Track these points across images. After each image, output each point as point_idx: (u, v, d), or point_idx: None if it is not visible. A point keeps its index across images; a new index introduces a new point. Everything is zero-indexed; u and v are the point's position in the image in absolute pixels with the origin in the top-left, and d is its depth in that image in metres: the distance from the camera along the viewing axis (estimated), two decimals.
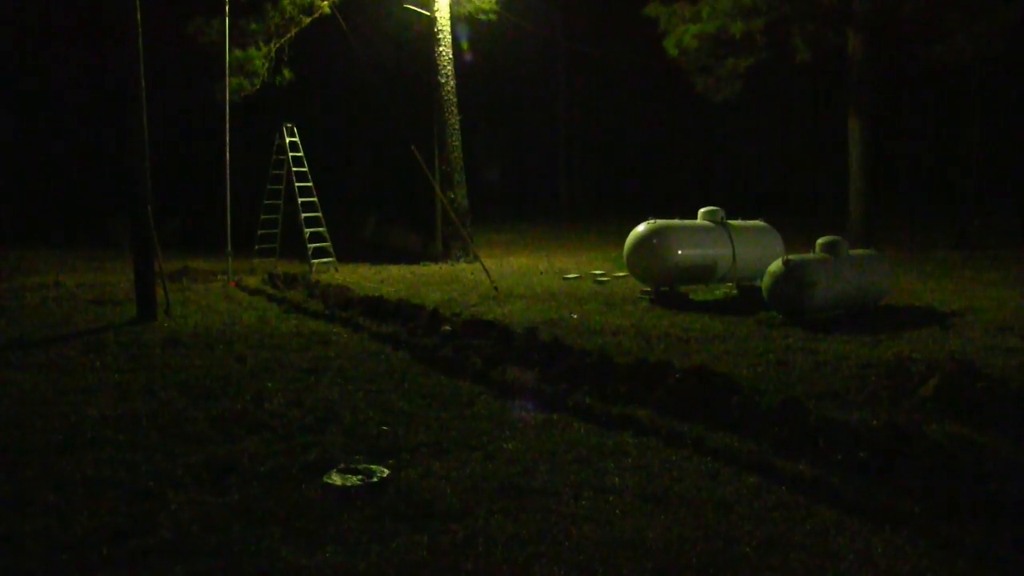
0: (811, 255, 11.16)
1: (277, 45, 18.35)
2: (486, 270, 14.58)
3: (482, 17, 19.84)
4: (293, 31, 18.39)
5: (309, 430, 6.17)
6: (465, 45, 20.29)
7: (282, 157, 18.03)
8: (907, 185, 28.94)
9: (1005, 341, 9.51)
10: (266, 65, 18.22)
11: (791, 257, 10.92)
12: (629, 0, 21.65)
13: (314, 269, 16.85)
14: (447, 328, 9.41)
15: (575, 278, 15.23)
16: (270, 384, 7.50)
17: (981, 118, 25.03)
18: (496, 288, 13.67)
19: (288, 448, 5.75)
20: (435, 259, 18.46)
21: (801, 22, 19.84)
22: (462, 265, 17.45)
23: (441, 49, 18.53)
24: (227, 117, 15.64)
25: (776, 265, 10.80)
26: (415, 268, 17.34)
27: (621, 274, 14.24)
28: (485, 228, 22.31)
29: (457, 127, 18.81)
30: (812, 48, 20.16)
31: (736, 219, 13.45)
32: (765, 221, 13.80)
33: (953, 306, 11.90)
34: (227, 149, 15.49)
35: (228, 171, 15.43)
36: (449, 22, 18.63)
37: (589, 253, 19.28)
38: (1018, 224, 23.61)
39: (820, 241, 11.37)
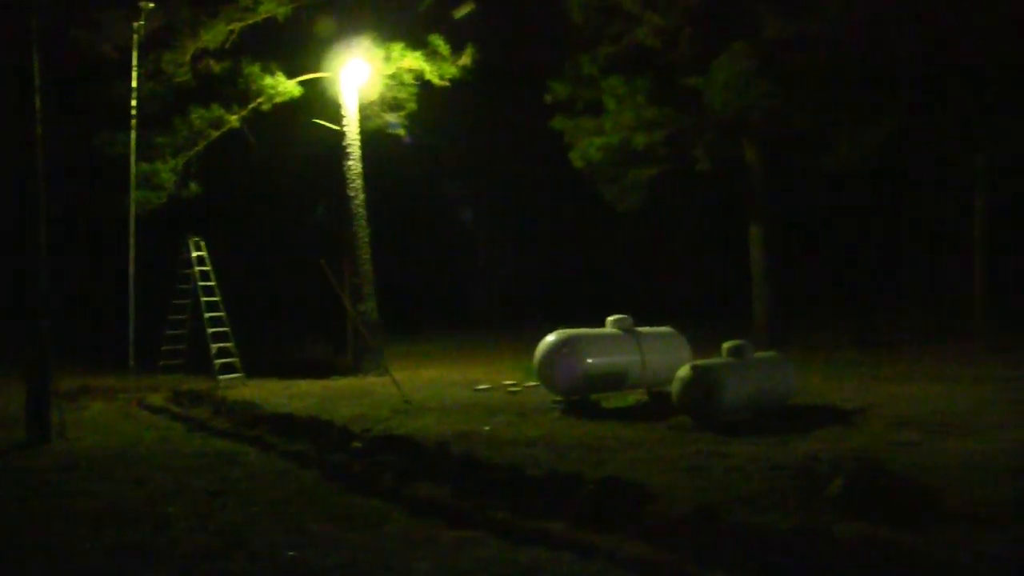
0: (718, 359, 11.37)
1: (185, 158, 18.28)
2: (397, 383, 14.46)
3: (391, 131, 20.13)
4: (201, 144, 18.35)
5: (213, 557, 5.94)
6: (403, 131, 20.46)
7: (188, 271, 17.78)
8: (810, 286, 29.88)
9: (906, 436, 9.81)
10: (173, 178, 18.10)
11: (699, 362, 11.10)
12: (536, 113, 22.28)
13: (221, 385, 16.48)
14: (358, 444, 9.25)
15: (487, 389, 15.19)
16: (171, 509, 7.22)
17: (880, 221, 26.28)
18: (407, 402, 13.54)
19: None
20: (346, 373, 18.23)
21: (700, 134, 20.67)
22: (373, 378, 17.25)
23: (350, 163, 18.67)
24: (132, 230, 15.41)
25: (685, 370, 10.96)
26: (325, 382, 17.09)
27: (532, 384, 14.26)
28: (397, 340, 22.18)
29: (367, 240, 18.83)
30: (712, 158, 20.96)
31: (644, 326, 13.65)
32: (672, 327, 14.04)
33: (855, 403, 12.22)
34: (131, 263, 15.21)
35: (132, 285, 15.12)
36: (359, 137, 18.83)
37: (501, 363, 19.28)
38: (912, 321, 24.52)
39: (726, 345, 11.59)
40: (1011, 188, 24.47)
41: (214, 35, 17.56)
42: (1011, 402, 12.12)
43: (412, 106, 19.61)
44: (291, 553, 5.99)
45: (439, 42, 18.48)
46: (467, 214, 36.10)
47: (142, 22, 15.61)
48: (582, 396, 12.57)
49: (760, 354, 12.09)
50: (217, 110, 18.10)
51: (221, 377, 16.81)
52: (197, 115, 17.99)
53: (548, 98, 21.39)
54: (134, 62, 15.79)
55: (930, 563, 5.35)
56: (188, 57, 17.67)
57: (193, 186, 18.39)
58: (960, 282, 23.29)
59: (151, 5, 15.44)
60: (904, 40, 18.68)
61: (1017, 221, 25.50)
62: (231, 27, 17.72)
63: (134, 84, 15.79)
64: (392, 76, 18.98)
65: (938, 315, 24.68)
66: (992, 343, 20.33)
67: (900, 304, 26.99)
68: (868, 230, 26.92)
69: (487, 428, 11.13)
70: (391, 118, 19.75)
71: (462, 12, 18.65)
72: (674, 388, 11.02)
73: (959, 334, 22.05)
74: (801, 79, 19.05)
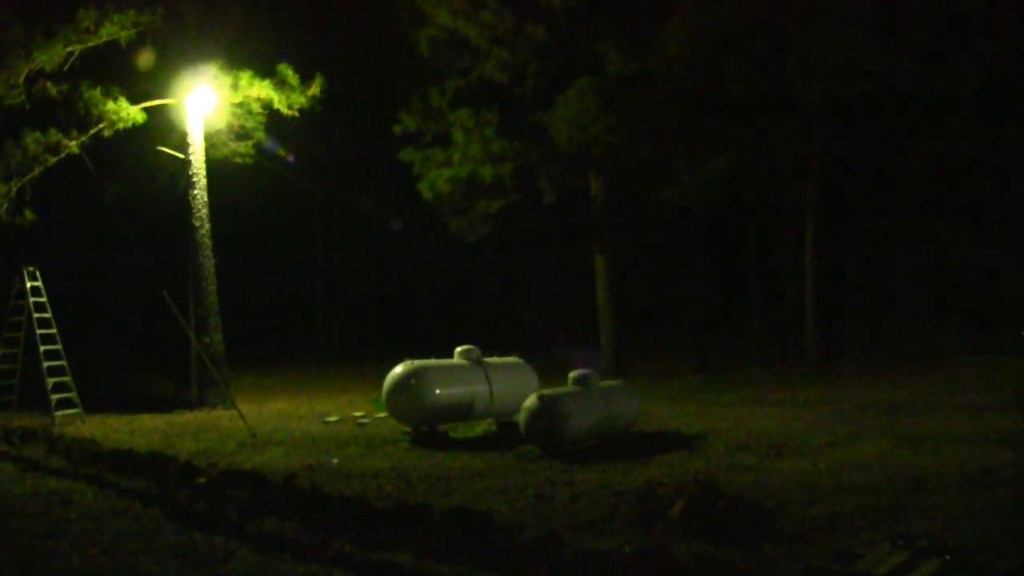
0: (564, 388, 11.64)
1: (18, 184, 17.44)
2: (243, 417, 14.15)
3: (239, 160, 19.79)
4: (37, 170, 17.55)
5: None
6: (281, 150, 20.05)
7: (22, 302, 16.93)
8: (652, 314, 30.87)
9: (743, 459, 10.29)
10: (4, 205, 17.25)
11: (545, 392, 11.33)
12: (385, 143, 22.36)
13: (57, 422, 15.71)
14: (202, 480, 9.02)
15: (336, 421, 15.04)
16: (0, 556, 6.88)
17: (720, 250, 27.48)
18: (254, 435, 13.26)
19: None
20: (190, 406, 17.69)
21: (546, 166, 21.18)
22: (219, 412, 16.82)
23: (196, 192, 18.23)
24: None
25: (531, 400, 11.16)
26: (169, 417, 16.54)
27: (382, 415, 14.22)
28: (244, 371, 21.71)
29: (213, 270, 18.40)
30: (557, 190, 21.50)
31: (492, 356, 13.84)
32: (520, 357, 14.28)
33: (696, 428, 12.75)
34: None
35: None
36: (204, 165, 18.42)
37: (350, 394, 19.13)
38: (749, 347, 25.65)
39: (572, 375, 11.89)
40: (843, 216, 26.10)
41: (50, 56, 16.86)
42: (838, 423, 12.87)
43: (260, 135, 19.35)
44: None
45: (288, 71, 18.31)
46: (316, 244, 35.68)
47: None
48: (431, 427, 12.62)
49: (605, 382, 12.45)
50: (55, 135, 17.37)
51: (57, 413, 16.03)
52: (32, 139, 17.20)
53: (397, 129, 21.53)
54: None
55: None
56: (21, 79, 16.91)
57: (28, 213, 17.57)
58: (794, 310, 24.55)
59: None
60: (739, 77, 19.72)
61: (845, 251, 27.15)
62: (70, 49, 17.06)
63: None
64: (240, 104, 18.67)
65: (773, 342, 25.92)
66: (823, 367, 21.51)
67: (739, 331, 28.18)
68: (706, 257, 28.05)
69: (335, 460, 11.04)
70: (239, 147, 19.43)
71: None
72: (521, 418, 11.20)
73: (793, 359, 23.23)
74: (643, 114, 19.81)
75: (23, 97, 17.09)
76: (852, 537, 6.79)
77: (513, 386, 13.21)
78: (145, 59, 18.21)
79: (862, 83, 20.19)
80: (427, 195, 21.30)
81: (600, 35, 19.81)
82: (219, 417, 16.14)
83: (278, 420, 15.44)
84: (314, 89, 18.56)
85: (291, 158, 20.65)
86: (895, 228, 28.85)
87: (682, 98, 20.10)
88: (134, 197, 23.08)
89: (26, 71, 16.91)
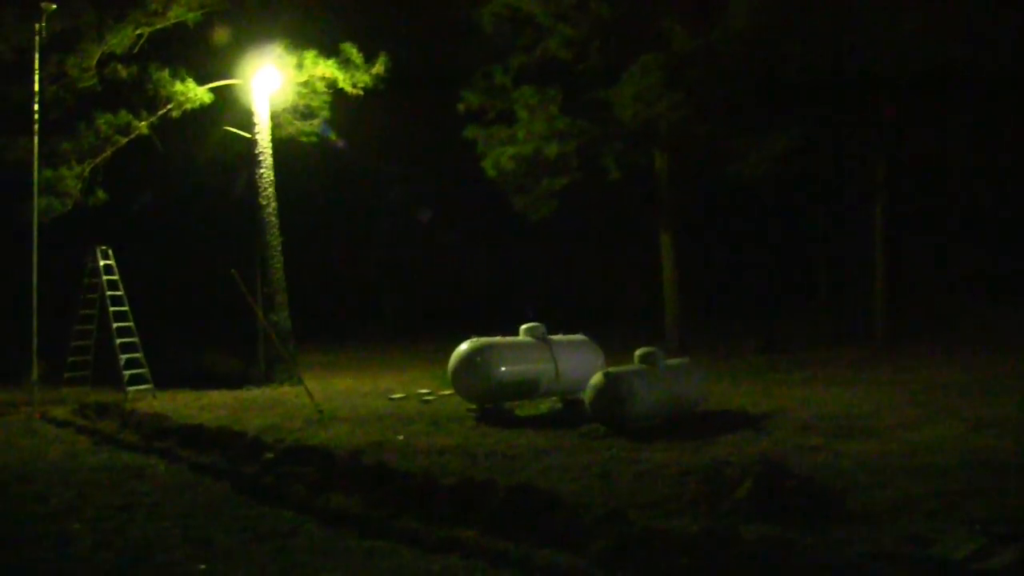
0: (630, 367, 11.55)
1: (91, 165, 17.82)
2: (309, 393, 14.32)
3: (304, 139, 19.96)
4: (109, 151, 17.91)
5: (119, 574, 5.82)
6: (334, 135, 20.25)
7: (95, 280, 17.31)
8: (718, 292, 30.52)
9: (810, 440, 10.11)
10: (79, 185, 17.63)
11: (611, 370, 11.26)
12: (450, 122, 22.35)
13: (129, 397, 16.09)
14: (269, 455, 9.14)
15: (401, 398, 15.15)
16: (76, 526, 7.06)
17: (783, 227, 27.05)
18: (320, 411, 13.42)
19: None
20: (258, 383, 17.97)
21: (610, 143, 21.00)
22: (285, 388, 17.06)
23: (263, 171, 18.45)
24: (35, 238, 15.01)
25: (597, 378, 11.10)
26: (237, 393, 16.83)
27: (447, 392, 14.28)
28: (310, 349, 21.98)
29: (279, 248, 18.63)
30: (622, 168, 21.31)
31: (557, 334, 13.80)
32: (585, 334, 14.22)
33: (763, 408, 12.57)
34: (35, 272, 14.80)
35: (36, 295, 14.71)
36: (270, 144, 18.62)
37: (415, 372, 19.25)
38: (814, 327, 25.23)
39: (638, 352, 11.79)
40: (909, 195, 25.44)
41: (121, 39, 17.18)
42: (907, 405, 12.59)
43: (325, 114, 19.47)
44: (201, 567, 5.92)
45: (352, 50, 18.40)
46: (380, 223, 35.92)
47: (44, 24, 15.19)
48: (496, 404, 12.64)
49: (671, 361, 12.33)
50: (125, 116, 17.70)
51: (129, 389, 16.41)
52: (103, 121, 17.56)
53: (461, 107, 21.49)
54: (36, 66, 15.36)
55: (828, 561, 5.54)
56: (94, 61, 17.24)
57: (100, 193, 17.95)
58: (860, 289, 24.08)
59: (53, 7, 15.03)
60: (807, 51, 19.28)
61: (915, 227, 26.48)
62: (139, 31, 17.36)
63: (36, 88, 15.37)
64: (304, 84, 18.81)
65: (838, 321, 25.45)
66: (891, 346, 21.07)
67: (803, 310, 27.74)
68: (772, 235, 27.65)
69: (400, 437, 11.12)
70: (304, 126, 19.59)
71: None
72: (587, 395, 11.16)
73: (860, 338, 22.78)
74: (708, 90, 19.51)
75: (95, 80, 17.44)
76: (925, 521, 6.61)
77: (578, 364, 13.16)
78: (212, 40, 18.44)
79: (925, 60, 19.57)
80: (491, 173, 21.27)
81: (664, 10, 19.54)
82: (286, 393, 16.38)
83: (343, 397, 15.61)
84: (378, 68, 18.62)
85: (340, 143, 20.75)
86: (962, 207, 28.08)
87: (747, 74, 19.74)
88: (201, 176, 23.46)
89: (98, 54, 17.25)
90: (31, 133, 15.44)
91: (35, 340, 14.70)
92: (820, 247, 28.56)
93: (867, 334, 22.83)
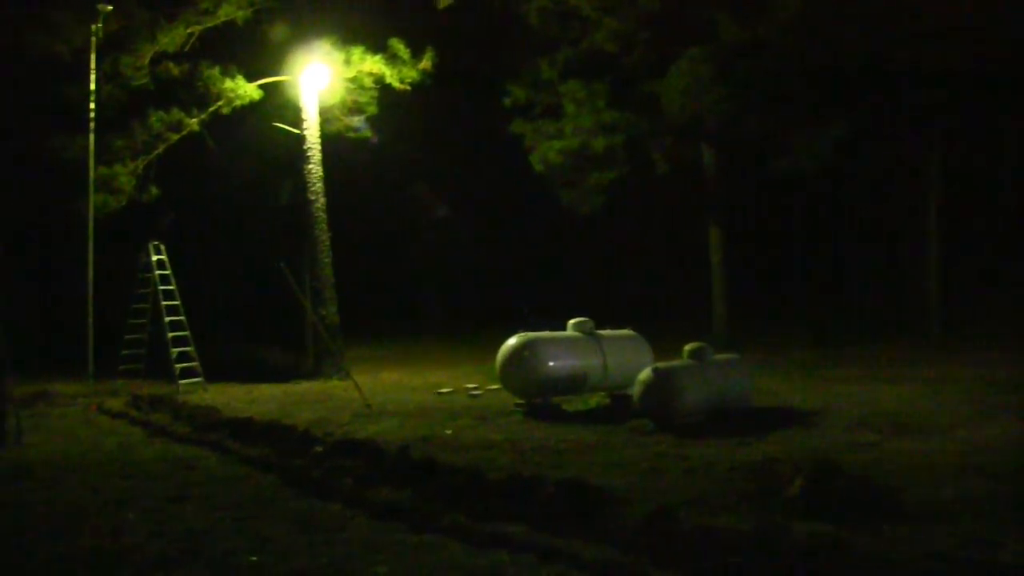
0: (678, 362, 11.47)
1: (144, 162, 18.11)
2: (358, 387, 14.42)
3: (351, 135, 20.09)
4: (161, 148, 18.20)
5: (171, 564, 5.90)
6: (368, 133, 20.40)
7: (148, 275, 17.60)
8: (766, 287, 30.19)
9: (863, 437, 9.94)
10: (132, 182, 17.93)
11: (659, 365, 11.19)
12: (495, 117, 22.35)
13: (181, 389, 16.33)
14: (318, 449, 9.22)
15: (448, 392, 15.20)
16: (130, 515, 7.17)
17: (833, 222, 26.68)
18: (368, 405, 13.51)
19: None
20: (307, 376, 18.16)
21: (658, 137, 20.85)
22: (334, 382, 17.21)
23: (311, 167, 18.60)
24: (91, 234, 15.29)
25: (646, 373, 11.04)
26: (286, 386, 17.00)
27: (494, 387, 14.28)
28: (357, 343, 22.12)
29: (328, 243, 18.78)
30: (670, 161, 21.16)
31: (605, 328, 13.74)
32: (633, 329, 14.14)
33: (812, 404, 12.40)
34: (90, 267, 15.09)
35: (91, 289, 15.00)
36: (319, 140, 18.77)
37: (462, 366, 19.30)
38: (865, 322, 24.86)
39: (687, 348, 11.71)
40: (962, 187, 24.94)
41: (172, 38, 17.44)
42: (963, 402, 12.34)
43: (373, 109, 19.59)
44: (252, 558, 5.97)
45: (399, 46, 18.49)
46: (425, 218, 36.01)
47: (100, 24, 15.45)
48: (544, 399, 12.62)
49: (719, 356, 12.22)
50: (177, 113, 17.99)
51: (181, 382, 16.67)
52: (156, 118, 17.85)
53: (507, 102, 21.47)
54: (92, 65, 15.64)
55: (885, 563, 5.44)
56: (147, 60, 17.52)
57: (153, 189, 18.24)
58: (914, 282, 23.67)
59: (108, 8, 15.29)
60: (857, 43, 18.97)
61: (968, 220, 25.95)
62: (190, 30, 17.61)
63: (92, 87, 15.64)
64: (352, 80, 18.95)
65: (891, 315, 25.05)
66: (944, 343, 20.69)
67: (854, 304, 27.35)
68: (822, 230, 27.24)
69: (448, 432, 11.14)
70: (352, 121, 19.71)
71: (446, 2, 18.52)
72: (635, 391, 11.10)
73: (912, 334, 22.40)
74: (757, 83, 19.28)
75: (148, 78, 17.73)
76: (986, 523, 6.42)
77: (627, 359, 13.09)
78: (261, 37, 18.62)
79: (977, 51, 19.13)
80: (538, 167, 21.23)
81: (711, 1, 19.33)
82: (334, 387, 16.51)
83: (391, 391, 15.69)
84: (425, 63, 18.70)
85: (375, 139, 20.87)
86: (1019, 199, 27.44)
87: (797, 67, 19.47)
88: (252, 172, 23.71)
89: (151, 53, 17.53)
90: (87, 131, 15.74)
91: (91, 334, 14.99)
92: (872, 242, 28.09)
93: (920, 330, 22.44)
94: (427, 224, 35.43)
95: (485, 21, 24.22)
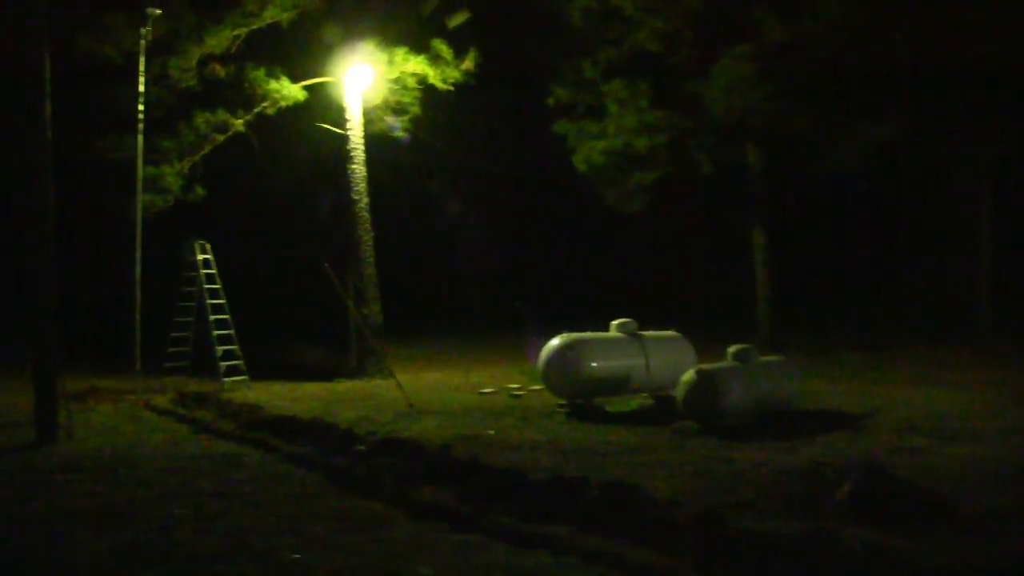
0: (723, 364, 11.34)
1: (190, 162, 18.31)
2: (400, 386, 14.44)
3: (396, 135, 20.15)
4: (207, 148, 18.40)
5: (218, 559, 5.93)
6: (402, 133, 20.48)
7: (193, 274, 17.80)
8: (812, 288, 29.84)
9: (911, 441, 9.76)
10: (179, 182, 18.14)
11: (704, 366, 11.08)
12: (537, 117, 22.30)
13: (226, 387, 16.49)
14: (361, 447, 9.24)
15: (490, 392, 15.18)
16: (178, 511, 7.23)
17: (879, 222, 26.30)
18: (411, 405, 13.52)
19: None
20: (349, 375, 18.23)
21: (701, 137, 20.68)
22: (377, 381, 17.26)
23: (354, 167, 18.69)
24: (139, 233, 15.51)
25: (690, 375, 10.93)
26: (329, 385, 17.09)
27: (536, 387, 14.24)
28: (400, 342, 22.17)
29: (371, 243, 18.85)
30: (714, 162, 20.98)
31: (648, 329, 13.64)
32: (676, 330, 14.03)
33: (860, 408, 12.20)
34: (138, 266, 15.29)
35: (139, 288, 15.21)
36: (362, 140, 18.85)
37: (504, 366, 19.28)
38: (916, 326, 24.46)
39: (731, 349, 11.58)
40: (1015, 187, 24.45)
41: (219, 40, 17.62)
42: (1015, 406, 12.09)
43: (416, 110, 19.62)
44: (295, 555, 5.99)
45: (442, 46, 18.50)
46: (470, 218, 36.07)
47: (149, 28, 15.65)
48: (586, 400, 12.56)
49: (765, 358, 12.08)
50: (222, 114, 18.16)
51: (226, 379, 16.83)
52: (202, 119, 18.03)
53: (550, 102, 21.40)
54: (141, 67, 15.85)
55: (938, 571, 5.31)
56: (194, 62, 17.71)
57: (199, 189, 18.44)
58: (964, 284, 23.25)
59: (157, 12, 15.48)
60: (904, 40, 18.67)
61: (1021, 223, 25.42)
62: (236, 32, 17.77)
63: (141, 89, 15.86)
64: (395, 80, 18.99)
65: (941, 318, 24.62)
66: (996, 347, 20.29)
67: (902, 306, 26.93)
68: (870, 231, 26.90)
69: (491, 432, 11.11)
70: (394, 122, 19.78)
71: (456, 21, 18.59)
72: (679, 392, 11.00)
73: (963, 337, 22.01)
74: (802, 81, 19.05)
75: (195, 80, 17.92)
76: None
77: (670, 360, 12.98)
78: (305, 39, 18.75)
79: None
80: (581, 168, 21.14)
81: (756, 1, 19.13)
82: (377, 386, 16.56)
83: (433, 390, 15.70)
84: (468, 63, 18.69)
85: (406, 139, 20.93)
86: None
87: (842, 63, 19.20)
88: (295, 172, 23.89)
89: (198, 55, 17.72)
90: (135, 132, 15.96)
91: (138, 331, 15.18)
92: (921, 244, 27.63)
93: (970, 334, 22.03)
94: (469, 224, 35.46)
95: (528, 21, 24.23)
